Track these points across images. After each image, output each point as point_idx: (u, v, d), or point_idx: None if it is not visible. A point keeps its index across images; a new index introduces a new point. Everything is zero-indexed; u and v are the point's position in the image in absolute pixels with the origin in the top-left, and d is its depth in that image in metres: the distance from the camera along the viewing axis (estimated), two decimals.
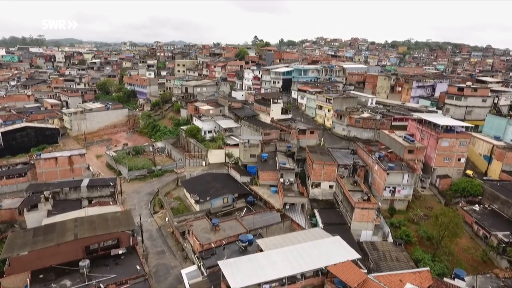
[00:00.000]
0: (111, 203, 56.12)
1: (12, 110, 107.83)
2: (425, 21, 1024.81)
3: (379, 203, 53.64)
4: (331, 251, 36.92)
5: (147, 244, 50.60)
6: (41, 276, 36.83)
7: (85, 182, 60.51)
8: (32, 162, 67.27)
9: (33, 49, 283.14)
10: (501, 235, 46.60)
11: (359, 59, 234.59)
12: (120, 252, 40.99)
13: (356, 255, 36.86)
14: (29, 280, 35.93)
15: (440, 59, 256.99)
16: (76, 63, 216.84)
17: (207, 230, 45.33)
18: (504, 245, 45.47)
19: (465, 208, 54.51)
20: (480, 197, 56.76)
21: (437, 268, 42.17)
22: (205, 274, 38.96)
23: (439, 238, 45.94)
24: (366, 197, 51.98)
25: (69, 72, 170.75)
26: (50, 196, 54.91)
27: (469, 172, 62.87)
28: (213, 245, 41.97)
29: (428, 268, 37.01)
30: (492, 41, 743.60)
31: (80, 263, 37.11)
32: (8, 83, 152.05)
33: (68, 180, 64.86)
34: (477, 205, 55.23)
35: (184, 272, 41.01)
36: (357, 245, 45.91)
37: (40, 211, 51.92)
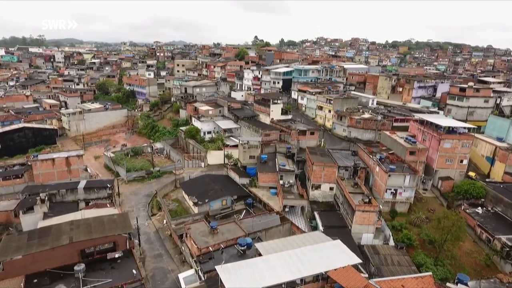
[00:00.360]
0: (108, 205, 55.35)
1: (10, 111, 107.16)
2: (426, 21, 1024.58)
3: (380, 206, 52.81)
4: (332, 256, 36.11)
5: (145, 247, 49.79)
6: (35, 280, 36.10)
7: (82, 183, 59.69)
8: (29, 163, 66.57)
9: (32, 49, 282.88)
10: (505, 239, 45.70)
11: (359, 59, 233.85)
12: (117, 255, 40.23)
13: (357, 260, 36.04)
14: (23, 284, 35.17)
15: (441, 59, 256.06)
16: (75, 63, 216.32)
17: (205, 233, 44.52)
18: (507, 249, 44.57)
19: (467, 210, 53.66)
20: (483, 200, 55.86)
21: (440, 273, 41.31)
22: (203, 278, 38.17)
23: (442, 242, 45.08)
24: (367, 200, 51.18)
25: (68, 72, 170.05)
26: (46, 198, 54.03)
27: (472, 174, 62.01)
28: (211, 249, 41.20)
29: (430, 273, 36.17)
30: (492, 41, 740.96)
31: (75, 268, 36.44)
32: (7, 83, 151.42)
33: (65, 181, 64.04)
34: (480, 208, 54.35)
35: (181, 276, 40.31)
36: (357, 249, 45.15)
37: (36, 213, 51.06)
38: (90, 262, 38.80)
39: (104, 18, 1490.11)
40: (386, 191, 55.59)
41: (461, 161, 60.62)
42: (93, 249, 40.26)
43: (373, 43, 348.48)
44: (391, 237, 48.79)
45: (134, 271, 37.96)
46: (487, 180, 60.87)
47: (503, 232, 47.35)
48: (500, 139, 68.10)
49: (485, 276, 40.68)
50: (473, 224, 50.93)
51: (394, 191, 55.58)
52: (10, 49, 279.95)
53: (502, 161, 61.16)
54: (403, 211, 56.06)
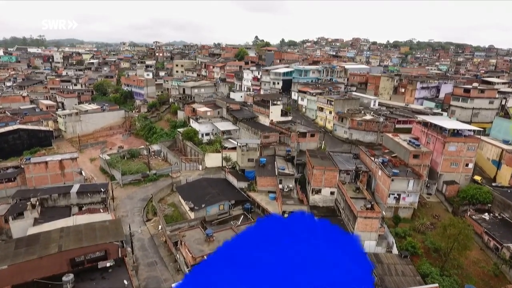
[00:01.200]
0: (102, 210, 53.59)
1: (6, 112, 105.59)
2: (427, 21, 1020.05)
3: (383, 212, 50.87)
4: None
5: (138, 255, 47.95)
6: None
7: (75, 188, 57.93)
8: (22, 166, 64.82)
9: (31, 49, 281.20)
10: None
11: (360, 60, 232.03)
12: (108, 264, 38.63)
13: None
14: None
15: (442, 59, 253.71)
16: (74, 63, 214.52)
17: (200, 241, 42.75)
18: None
19: (474, 216, 51.62)
20: (489, 205, 53.81)
21: (446, 284, 39.11)
22: None
23: (448, 250, 43.07)
24: (369, 205, 49.16)
25: (66, 73, 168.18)
26: (37, 203, 52.34)
27: (477, 177, 59.93)
28: (206, 258, 39.34)
29: (437, 285, 34.56)
30: (494, 41, 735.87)
31: (64, 278, 34.90)
32: (4, 84, 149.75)
33: (58, 185, 62.27)
34: (486, 214, 52.31)
35: (175, 286, 38.43)
36: None
37: (26, 219, 49.31)
38: (80, 271, 37.38)
39: (105, 19, 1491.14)
40: (389, 196, 53.63)
41: (467, 165, 58.55)
42: (83, 258, 38.80)
43: (374, 43, 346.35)
44: (395, 245, 46.84)
45: (125, 282, 36.26)
46: (493, 184, 58.82)
47: None
48: (506, 142, 65.99)
49: (494, 287, 38.73)
50: (479, 231, 48.86)
51: (397, 196, 53.62)
52: (9, 49, 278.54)
53: (509, 165, 59.07)
54: (407, 216, 54.08)
